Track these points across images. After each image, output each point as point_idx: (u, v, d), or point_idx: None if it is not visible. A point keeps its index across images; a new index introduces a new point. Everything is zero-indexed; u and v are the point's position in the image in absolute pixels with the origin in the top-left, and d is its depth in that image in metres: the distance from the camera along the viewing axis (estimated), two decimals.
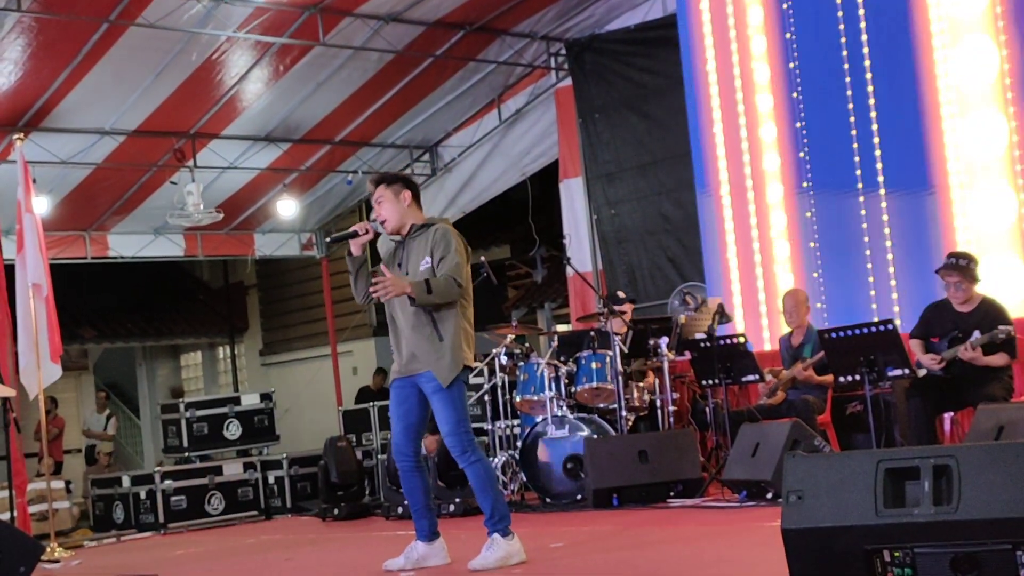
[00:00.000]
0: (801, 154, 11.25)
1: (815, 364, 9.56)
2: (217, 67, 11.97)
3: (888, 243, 10.68)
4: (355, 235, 6.64)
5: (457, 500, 10.10)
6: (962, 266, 8.59)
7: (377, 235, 6.78)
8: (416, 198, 6.77)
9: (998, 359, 8.36)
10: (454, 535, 7.14)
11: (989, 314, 8.47)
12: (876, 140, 10.73)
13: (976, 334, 8.35)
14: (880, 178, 10.71)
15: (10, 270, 10.54)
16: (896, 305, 10.56)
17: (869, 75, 10.77)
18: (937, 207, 10.36)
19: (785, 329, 10.27)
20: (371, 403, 13.65)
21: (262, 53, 11.99)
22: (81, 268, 15.24)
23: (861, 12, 10.81)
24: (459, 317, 6.58)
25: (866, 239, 10.80)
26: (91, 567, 9.31)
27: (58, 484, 12.71)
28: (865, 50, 10.79)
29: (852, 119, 10.89)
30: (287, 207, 14.51)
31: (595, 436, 9.74)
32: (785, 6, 11.35)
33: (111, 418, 18.13)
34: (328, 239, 6.85)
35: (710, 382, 9.68)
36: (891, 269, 10.65)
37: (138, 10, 10.60)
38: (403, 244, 6.72)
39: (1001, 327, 8.27)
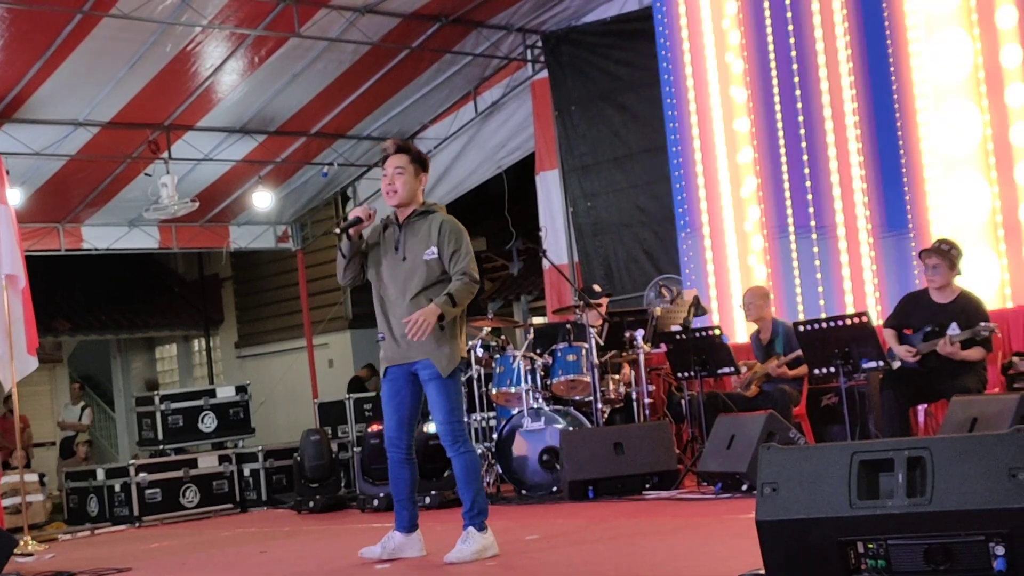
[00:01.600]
0: (780, 146, 11.28)
1: (789, 362, 9.60)
2: (192, 58, 11.92)
3: (867, 235, 10.74)
4: (358, 221, 6.58)
5: (433, 492, 10.10)
6: (944, 251, 8.60)
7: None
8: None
9: (974, 353, 8.38)
10: (430, 527, 7.14)
11: (967, 308, 8.48)
12: (855, 132, 10.76)
13: (953, 326, 8.37)
14: (859, 172, 10.75)
15: None
16: (874, 299, 10.62)
17: (848, 66, 10.80)
18: (914, 200, 10.42)
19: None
20: (347, 396, 13.64)
21: (237, 44, 11.95)
22: (55, 260, 15.17)
23: (838, 4, 10.86)
24: None
25: (843, 231, 10.85)
26: (65, 560, 9.26)
27: (31, 477, 12.66)
28: (842, 41, 10.83)
29: (829, 112, 10.93)
30: (262, 199, 14.46)
31: (571, 428, 9.74)
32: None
33: (85, 409, 18.07)
34: (336, 231, 6.77)
35: (686, 374, 9.69)
36: (869, 260, 10.71)
37: (112, 1, 10.54)
38: (399, 227, 6.67)
39: (984, 324, 8.27)
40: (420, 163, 6.66)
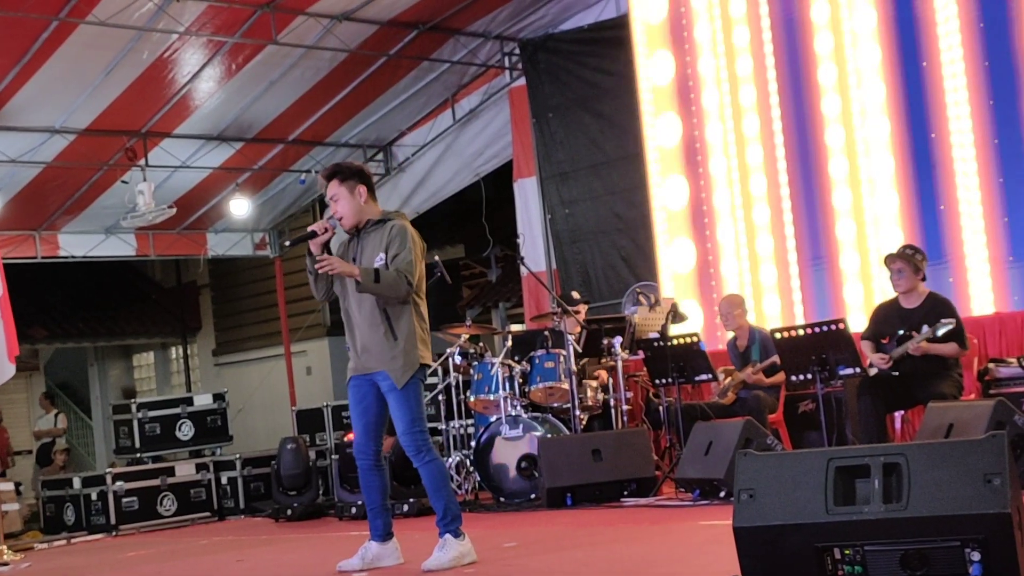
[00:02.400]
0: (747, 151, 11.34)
1: (764, 368, 9.62)
2: (169, 65, 11.88)
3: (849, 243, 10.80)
4: (314, 235, 6.55)
5: (411, 500, 10.09)
6: (907, 255, 8.66)
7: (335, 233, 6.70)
8: (371, 191, 6.66)
9: (948, 348, 8.42)
10: (408, 535, 7.14)
11: (935, 308, 8.52)
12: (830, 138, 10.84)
13: (925, 329, 8.41)
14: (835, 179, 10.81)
15: None
16: (851, 306, 10.67)
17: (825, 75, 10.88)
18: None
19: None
20: (324, 403, 13.62)
21: (214, 52, 11.92)
22: (31, 267, 15.10)
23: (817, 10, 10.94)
24: (413, 316, 6.55)
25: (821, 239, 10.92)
26: (41, 569, 9.23)
27: (7, 486, 12.60)
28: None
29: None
30: (240, 206, 14.42)
31: (549, 435, 9.74)
32: (733, 10, 11.45)
33: (59, 415, 18.00)
34: (287, 243, 6.76)
35: (663, 381, 9.70)
36: (841, 268, 10.78)
37: (88, 7, 10.49)
38: (358, 238, 6.66)
39: (943, 320, 8.33)
40: (354, 178, 6.61)
